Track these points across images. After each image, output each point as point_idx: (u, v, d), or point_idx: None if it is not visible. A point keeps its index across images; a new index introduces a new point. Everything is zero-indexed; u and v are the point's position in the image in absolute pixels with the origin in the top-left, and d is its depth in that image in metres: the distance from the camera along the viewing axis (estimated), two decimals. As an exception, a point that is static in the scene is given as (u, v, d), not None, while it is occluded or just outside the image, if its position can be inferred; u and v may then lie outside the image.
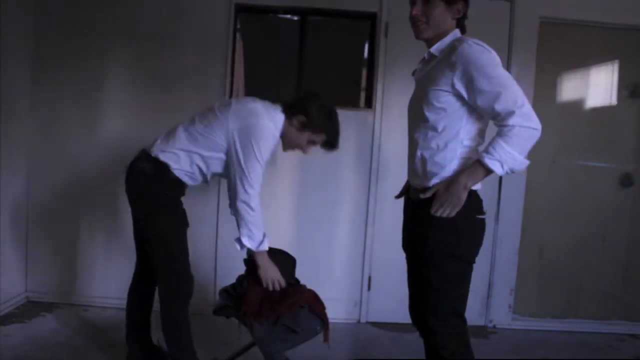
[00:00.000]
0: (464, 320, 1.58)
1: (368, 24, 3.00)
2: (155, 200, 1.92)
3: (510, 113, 1.39)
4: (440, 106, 1.51)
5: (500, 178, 2.91)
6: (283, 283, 1.92)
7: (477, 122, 1.54)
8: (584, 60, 3.08)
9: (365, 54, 3.08)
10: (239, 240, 1.91)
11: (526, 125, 1.39)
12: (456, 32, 1.59)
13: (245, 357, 2.12)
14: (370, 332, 2.87)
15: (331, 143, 2.01)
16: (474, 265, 1.58)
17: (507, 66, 2.86)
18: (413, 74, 1.74)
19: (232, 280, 2.05)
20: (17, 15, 2.70)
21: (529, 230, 3.02)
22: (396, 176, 2.63)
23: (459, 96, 1.49)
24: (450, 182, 1.49)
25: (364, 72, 3.09)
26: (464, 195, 1.47)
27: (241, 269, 2.06)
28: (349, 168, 2.95)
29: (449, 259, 1.52)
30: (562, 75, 3.10)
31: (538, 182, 3.01)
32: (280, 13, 3.05)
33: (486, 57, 1.44)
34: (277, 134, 1.93)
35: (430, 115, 1.53)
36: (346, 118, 2.91)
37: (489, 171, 1.44)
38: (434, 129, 1.53)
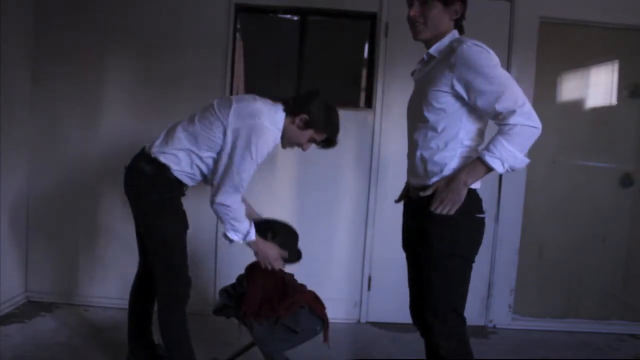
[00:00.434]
0: (464, 319, 1.59)
1: (368, 24, 3.00)
2: (154, 201, 1.90)
3: (512, 112, 1.40)
4: (440, 107, 1.52)
5: (500, 178, 2.92)
6: (282, 264, 1.93)
7: (477, 122, 1.55)
8: (584, 60, 3.08)
9: (365, 54, 3.08)
10: (225, 236, 1.91)
11: (527, 124, 1.40)
12: (454, 33, 1.59)
13: (245, 357, 2.12)
14: (370, 332, 2.88)
15: (331, 141, 2.01)
16: (474, 265, 1.58)
17: (507, 66, 2.86)
18: (412, 74, 1.75)
19: (232, 280, 2.05)
20: (17, 15, 2.70)
21: (529, 230, 3.02)
22: (396, 176, 2.63)
23: (458, 97, 1.49)
24: (451, 179, 1.50)
25: (364, 72, 3.09)
26: (464, 192, 1.48)
27: (241, 269, 2.07)
28: (349, 168, 2.95)
29: (448, 258, 1.53)
30: (562, 75, 3.10)
31: (538, 182, 3.01)
32: (280, 13, 3.05)
33: (485, 57, 1.45)
34: (278, 135, 1.92)
35: (430, 115, 1.54)
36: (346, 118, 2.91)
37: (489, 169, 1.45)
38: (434, 129, 1.54)
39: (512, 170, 1.46)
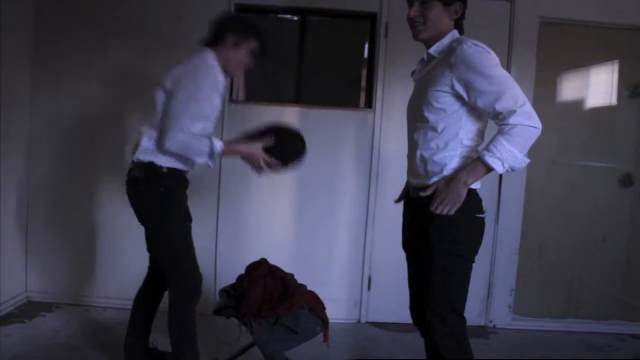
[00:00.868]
0: (464, 319, 1.59)
1: (368, 24, 3.00)
2: (156, 208, 1.91)
3: (512, 112, 1.41)
4: (440, 107, 1.52)
5: (500, 178, 2.92)
6: (269, 163, 1.93)
7: (477, 122, 1.56)
8: (584, 60, 3.08)
9: (365, 54, 3.08)
10: (202, 162, 1.89)
11: (527, 124, 1.41)
12: (454, 33, 1.60)
13: (245, 357, 2.12)
14: (370, 332, 2.87)
15: (264, 44, 2.02)
16: (474, 265, 1.59)
17: (507, 66, 2.86)
18: (412, 74, 1.75)
19: (232, 280, 2.05)
20: (17, 15, 2.70)
21: (529, 230, 3.02)
22: (396, 176, 2.63)
23: (458, 97, 1.50)
24: (451, 179, 1.50)
25: (364, 72, 3.09)
26: (463, 192, 1.48)
27: (241, 269, 2.07)
28: (349, 168, 2.95)
29: (448, 257, 1.53)
30: (562, 75, 3.10)
31: (538, 182, 3.01)
32: (280, 13, 3.05)
33: (485, 57, 1.45)
34: (217, 71, 1.90)
35: (429, 115, 1.54)
36: (346, 118, 2.94)
37: (489, 169, 1.45)
38: (434, 129, 1.54)
39: (512, 170, 1.46)
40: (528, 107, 1.42)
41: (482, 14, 2.79)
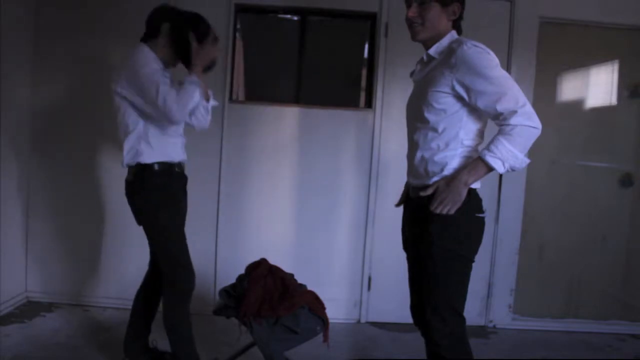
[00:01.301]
0: (463, 319, 1.59)
1: (368, 24, 3.00)
2: (148, 200, 1.94)
3: (513, 113, 1.42)
4: (440, 107, 1.53)
5: (500, 178, 2.92)
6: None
7: (477, 122, 1.57)
8: (584, 60, 3.08)
9: (365, 54, 3.08)
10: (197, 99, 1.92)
11: (528, 124, 1.42)
12: (453, 34, 1.60)
13: (245, 357, 2.12)
14: (370, 332, 2.88)
15: (201, 30, 2.03)
16: (474, 265, 1.59)
17: (507, 66, 2.87)
18: (411, 75, 1.76)
19: (232, 280, 2.05)
20: (17, 15, 2.70)
21: (529, 230, 3.02)
22: (396, 176, 2.64)
23: (459, 97, 1.50)
24: (451, 179, 1.50)
25: (364, 72, 3.09)
26: (464, 192, 1.49)
27: (241, 269, 2.07)
28: (349, 168, 2.95)
29: (448, 257, 1.53)
30: (562, 75, 3.10)
31: (538, 182, 3.01)
32: (280, 13, 3.05)
33: (485, 58, 1.46)
34: (155, 57, 1.95)
35: (430, 116, 1.54)
36: (346, 118, 2.94)
37: (490, 169, 1.46)
38: (434, 129, 1.55)
39: (513, 170, 1.48)
40: (528, 107, 1.43)
41: (482, 14, 2.79)
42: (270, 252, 2.21)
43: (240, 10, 2.95)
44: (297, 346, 1.87)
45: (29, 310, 2.82)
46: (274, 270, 2.02)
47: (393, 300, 2.77)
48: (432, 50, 1.59)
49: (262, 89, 3.16)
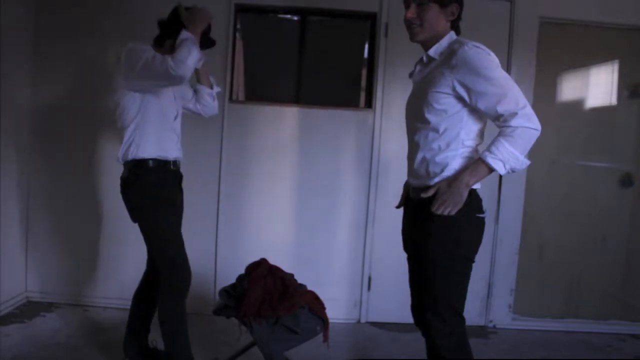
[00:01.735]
0: (463, 319, 1.59)
1: (368, 24, 3.00)
2: (141, 198, 1.95)
3: (513, 114, 1.43)
4: (441, 108, 1.53)
5: (501, 178, 2.92)
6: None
7: (477, 122, 1.57)
8: (584, 60, 3.08)
9: (365, 54, 3.08)
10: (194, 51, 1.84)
11: (528, 126, 1.43)
12: (452, 34, 1.60)
13: (245, 357, 2.12)
14: (370, 332, 2.88)
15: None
16: (474, 265, 1.59)
17: (507, 66, 2.87)
18: (410, 75, 1.75)
19: (232, 280, 2.05)
20: (17, 15, 2.70)
21: (529, 231, 3.02)
22: (396, 176, 2.64)
23: (459, 98, 1.51)
24: (452, 180, 1.50)
25: (364, 72, 3.09)
26: (465, 193, 1.49)
27: (241, 269, 2.07)
28: (349, 168, 2.95)
29: (448, 257, 1.53)
30: (562, 75, 3.10)
31: (538, 182, 3.01)
32: (280, 13, 3.05)
33: (486, 59, 1.46)
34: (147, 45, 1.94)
35: (430, 117, 1.54)
36: (346, 118, 2.94)
37: (491, 170, 1.47)
38: (435, 130, 1.55)
39: (513, 171, 1.48)
40: (529, 109, 1.43)
41: (482, 14, 2.79)
42: (270, 252, 2.21)
43: (240, 10, 2.95)
44: (297, 346, 1.87)
45: (29, 310, 2.82)
46: (274, 270, 2.02)
47: (393, 300, 2.78)
48: (432, 51, 1.59)
49: (262, 89, 3.16)
